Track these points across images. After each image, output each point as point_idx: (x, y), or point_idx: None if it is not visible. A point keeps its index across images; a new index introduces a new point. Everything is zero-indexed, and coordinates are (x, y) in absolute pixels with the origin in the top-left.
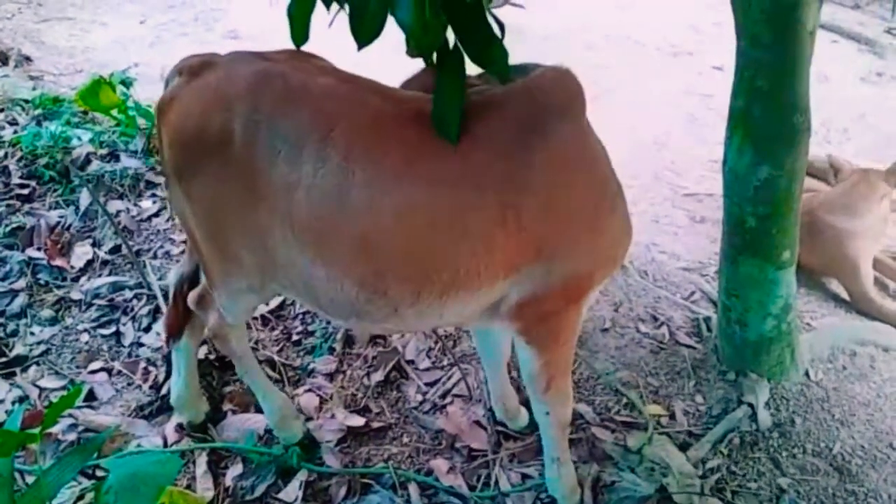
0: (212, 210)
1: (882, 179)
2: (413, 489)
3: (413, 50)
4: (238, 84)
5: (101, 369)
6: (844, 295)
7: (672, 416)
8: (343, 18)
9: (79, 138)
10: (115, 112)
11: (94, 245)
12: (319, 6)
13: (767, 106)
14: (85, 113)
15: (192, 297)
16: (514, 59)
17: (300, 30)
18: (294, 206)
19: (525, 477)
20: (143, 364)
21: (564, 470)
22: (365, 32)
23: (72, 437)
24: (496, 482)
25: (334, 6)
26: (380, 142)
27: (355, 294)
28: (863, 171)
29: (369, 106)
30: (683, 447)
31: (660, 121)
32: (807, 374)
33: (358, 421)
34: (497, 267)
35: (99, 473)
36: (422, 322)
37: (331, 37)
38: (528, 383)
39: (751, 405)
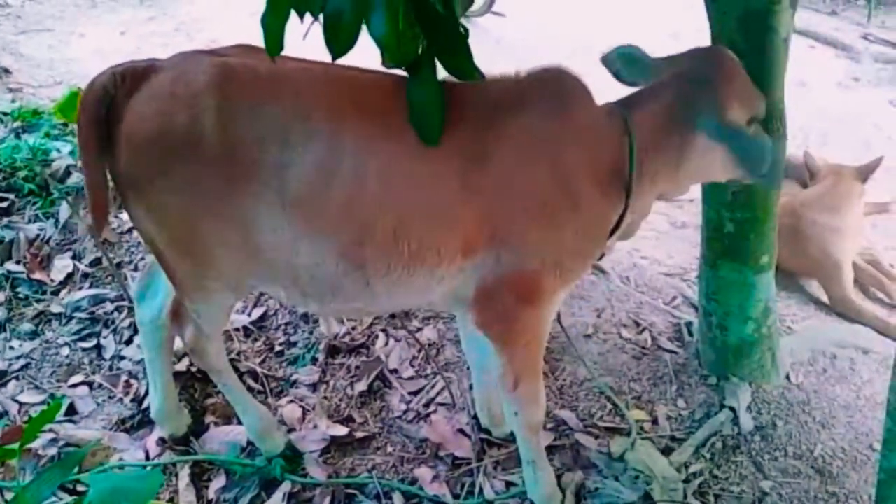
0: (181, 212)
1: (855, 178)
2: (397, 498)
3: (388, 62)
4: (198, 80)
5: (82, 383)
6: (824, 298)
7: (655, 421)
8: (318, 28)
9: (58, 150)
10: None
11: (74, 258)
12: (294, 17)
13: None
14: (65, 125)
15: (164, 314)
16: (494, 69)
17: (275, 40)
18: (286, 183)
19: (509, 485)
20: (124, 377)
21: (541, 474)
22: (340, 44)
23: (52, 451)
24: (480, 490)
25: (308, 17)
26: (363, 114)
27: (335, 266)
28: (837, 171)
29: (348, 82)
30: (666, 452)
31: None
32: (788, 377)
33: (341, 431)
34: (456, 244)
35: (80, 489)
36: (391, 300)
37: (305, 47)
38: (497, 380)
39: (732, 409)
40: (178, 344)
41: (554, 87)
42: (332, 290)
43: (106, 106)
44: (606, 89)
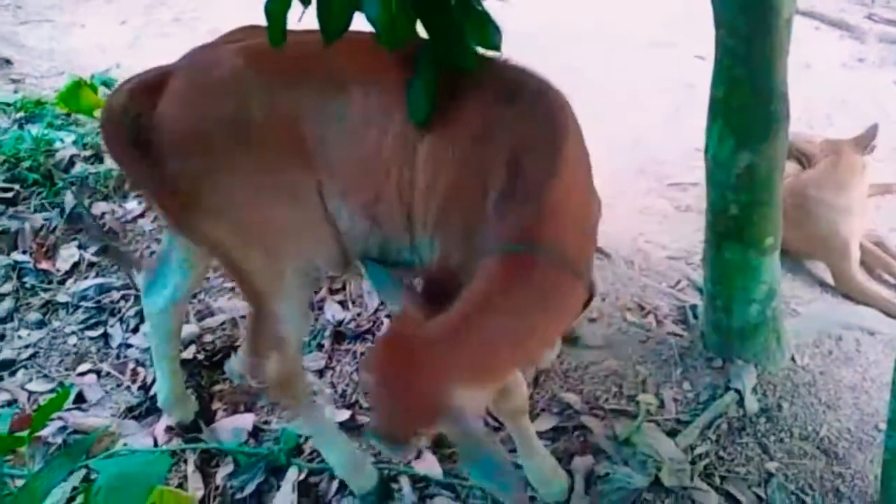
0: (244, 201)
1: (854, 151)
2: (405, 481)
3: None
4: (230, 66)
5: (90, 371)
6: (830, 280)
7: (661, 404)
8: (312, 12)
9: (62, 140)
10: (97, 113)
11: (79, 247)
12: (296, 3)
13: (746, 94)
14: (67, 115)
15: (238, 365)
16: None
17: (278, 27)
18: (323, 150)
19: (517, 466)
20: (131, 365)
21: (536, 460)
22: (333, 27)
23: (61, 439)
24: None
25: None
26: (383, 81)
27: (363, 222)
28: (836, 147)
29: (372, 47)
30: (672, 434)
31: (643, 112)
32: (793, 358)
33: (344, 415)
34: (425, 219)
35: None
36: (401, 255)
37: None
38: None
39: (738, 391)
40: (184, 332)
41: (535, 95)
42: (364, 247)
43: (129, 125)
44: (604, 77)
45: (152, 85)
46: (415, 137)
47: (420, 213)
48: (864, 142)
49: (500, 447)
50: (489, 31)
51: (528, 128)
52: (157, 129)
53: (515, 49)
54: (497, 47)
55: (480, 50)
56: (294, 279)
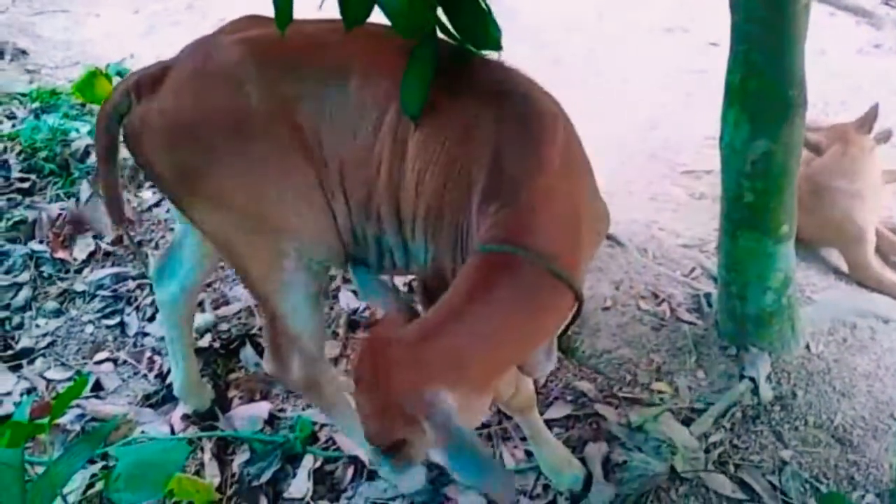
0: (243, 192)
1: (860, 133)
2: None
3: (398, 32)
4: (229, 55)
5: (107, 359)
6: (844, 267)
7: (675, 392)
8: (331, 3)
9: (77, 130)
10: None
11: (95, 237)
12: None
13: (762, 80)
14: (83, 105)
15: (266, 364)
16: (506, 42)
17: (285, 13)
18: (321, 141)
19: (530, 454)
20: (148, 353)
21: (545, 448)
22: (353, 14)
23: (79, 427)
24: (501, 458)
25: None
26: (378, 70)
27: (357, 220)
28: (841, 134)
29: (373, 38)
30: (686, 422)
31: (656, 99)
32: (808, 346)
33: None
34: (412, 210)
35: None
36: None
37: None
38: None
39: (752, 379)
40: (198, 321)
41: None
42: (363, 246)
43: (120, 122)
44: (616, 63)
45: (153, 78)
46: (404, 135)
47: (409, 214)
48: (867, 123)
49: (486, 448)
50: (490, 29)
51: (511, 129)
52: (155, 123)
53: (527, 37)
54: (497, 45)
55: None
56: (295, 274)
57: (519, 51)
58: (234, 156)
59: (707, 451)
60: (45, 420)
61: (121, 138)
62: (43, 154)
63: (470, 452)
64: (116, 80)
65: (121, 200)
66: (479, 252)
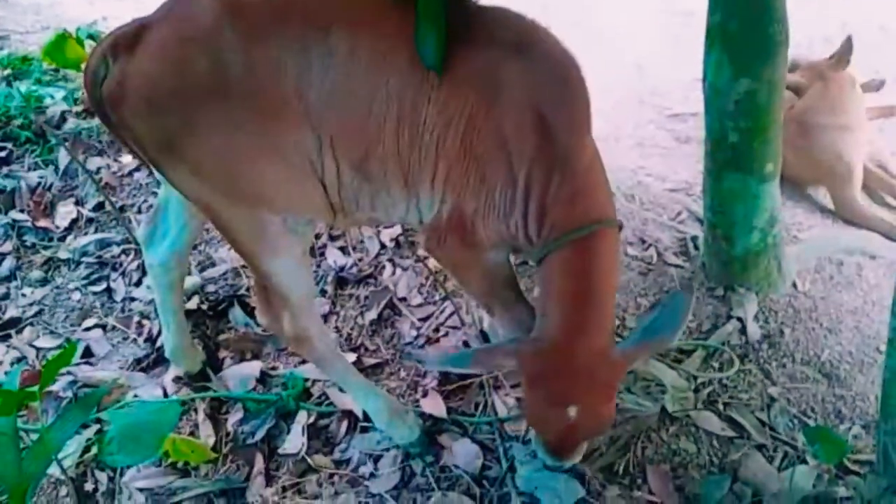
0: (224, 158)
1: (837, 69)
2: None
3: None
4: (206, 18)
5: (96, 326)
6: (830, 205)
7: None
8: None
9: (52, 97)
10: (84, 66)
11: (77, 203)
12: None
13: (744, 18)
14: (56, 70)
15: (259, 318)
16: None
17: None
18: (309, 105)
19: (521, 400)
20: (136, 318)
21: None
22: None
23: (71, 393)
24: (493, 406)
25: None
26: (371, 29)
27: (351, 180)
28: (819, 72)
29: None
30: (675, 364)
31: (641, 42)
32: (794, 285)
33: (350, 358)
34: (428, 172)
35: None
36: (394, 211)
37: None
38: None
39: (740, 319)
40: (188, 282)
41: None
42: (355, 202)
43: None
44: (602, 7)
45: (130, 38)
46: (416, 97)
47: (426, 174)
48: (843, 58)
49: None
50: None
51: (544, 88)
52: (133, 86)
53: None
54: None
55: None
56: (280, 237)
57: None
58: (214, 124)
59: (696, 390)
60: (36, 388)
61: None
62: (18, 122)
63: None
64: (89, 43)
65: None
66: (573, 239)
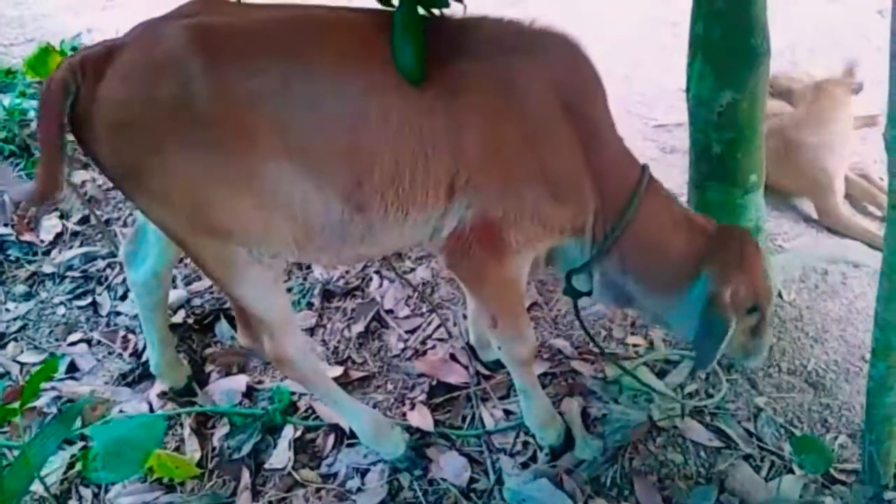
0: (189, 188)
1: (837, 88)
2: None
3: None
4: (175, 45)
5: (81, 340)
6: (814, 215)
7: (650, 346)
8: None
9: (35, 110)
10: None
11: (62, 217)
12: None
13: (726, 28)
14: (40, 83)
15: (240, 337)
16: None
17: None
18: (290, 134)
19: (509, 413)
20: (122, 333)
21: (534, 402)
22: None
23: (56, 409)
24: (481, 419)
25: None
26: (352, 53)
27: (340, 213)
28: (819, 85)
29: (329, 22)
30: (661, 374)
31: (628, 52)
32: (780, 294)
33: (337, 371)
34: (441, 185)
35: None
36: (389, 241)
37: None
38: (478, 316)
39: None
40: (172, 297)
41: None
42: (341, 238)
43: (69, 101)
44: (587, 16)
45: (99, 60)
46: (414, 114)
47: (436, 187)
48: (848, 80)
49: None
50: None
51: (567, 85)
52: (98, 110)
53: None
54: (445, 2)
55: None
56: (247, 265)
57: (488, 4)
58: (179, 152)
59: (682, 401)
60: (17, 404)
61: None
62: (2, 135)
63: None
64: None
65: (59, 177)
66: (641, 197)
